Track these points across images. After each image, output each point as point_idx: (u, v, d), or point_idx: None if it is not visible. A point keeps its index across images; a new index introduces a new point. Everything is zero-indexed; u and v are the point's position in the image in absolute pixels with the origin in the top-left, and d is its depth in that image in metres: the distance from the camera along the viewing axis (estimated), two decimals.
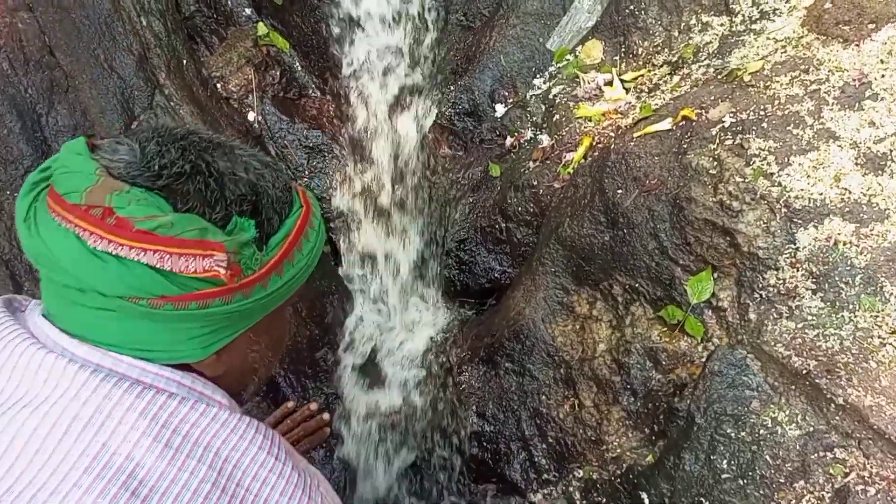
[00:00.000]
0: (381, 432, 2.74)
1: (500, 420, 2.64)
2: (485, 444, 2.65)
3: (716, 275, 2.23)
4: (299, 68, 3.01)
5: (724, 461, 2.09)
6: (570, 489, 2.49)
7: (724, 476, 2.08)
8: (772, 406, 2.06)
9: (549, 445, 2.55)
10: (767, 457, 2.02)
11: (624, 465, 2.39)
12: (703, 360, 2.19)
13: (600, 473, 2.45)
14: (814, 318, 2.04)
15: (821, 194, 2.10)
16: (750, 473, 2.04)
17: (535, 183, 2.70)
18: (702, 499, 2.13)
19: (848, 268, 2.03)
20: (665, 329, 2.37)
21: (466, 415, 2.61)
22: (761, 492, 2.02)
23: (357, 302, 2.90)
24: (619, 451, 2.43)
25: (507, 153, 2.83)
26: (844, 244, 2.06)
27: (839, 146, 2.15)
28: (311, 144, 3.00)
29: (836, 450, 1.89)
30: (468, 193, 2.93)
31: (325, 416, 2.38)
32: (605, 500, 2.41)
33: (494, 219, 2.85)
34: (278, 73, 2.94)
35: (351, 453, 2.70)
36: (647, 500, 2.26)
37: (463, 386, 2.67)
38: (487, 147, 2.95)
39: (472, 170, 2.87)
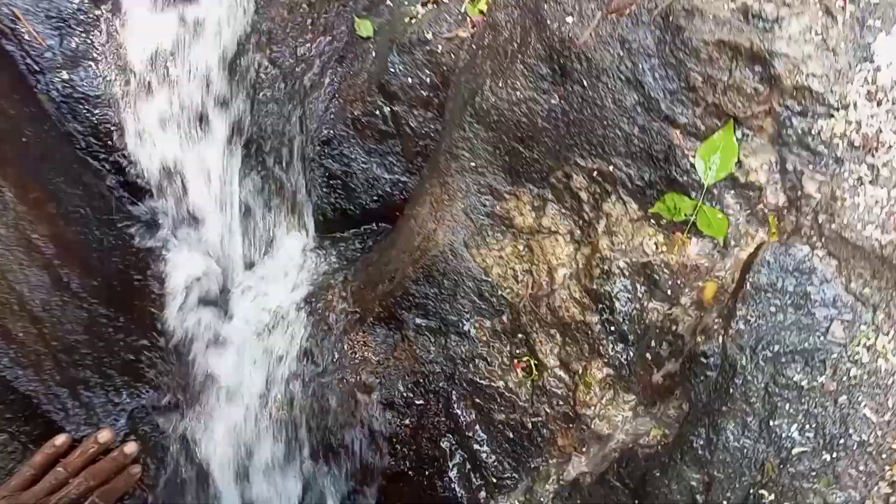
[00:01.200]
0: (244, 455, 1.82)
1: (418, 407, 1.79)
2: (399, 447, 1.80)
3: (740, 133, 1.46)
4: None
5: (794, 427, 1.36)
6: (539, 495, 1.71)
7: (795, 451, 1.36)
8: (864, 328, 1.34)
9: (499, 434, 1.74)
10: (866, 410, 1.31)
11: (617, 452, 1.63)
12: (736, 271, 1.44)
13: (582, 467, 1.68)
14: None
15: None
16: (839, 440, 1.33)
17: (430, 36, 1.82)
18: (762, 490, 1.40)
19: None
20: (661, 232, 1.59)
21: (365, 407, 1.74)
22: (862, 466, 1.32)
23: (177, 255, 1.92)
24: (607, 428, 1.66)
25: None
26: None
27: None
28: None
29: None
30: (327, 69, 1.99)
31: (129, 447, 1.46)
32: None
33: (372, 102, 1.94)
34: None
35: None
36: (666, 500, 1.52)
37: (355, 363, 1.79)
38: None
39: (329, 33, 1.91)
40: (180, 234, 1.93)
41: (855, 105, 1.35)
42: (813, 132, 1.38)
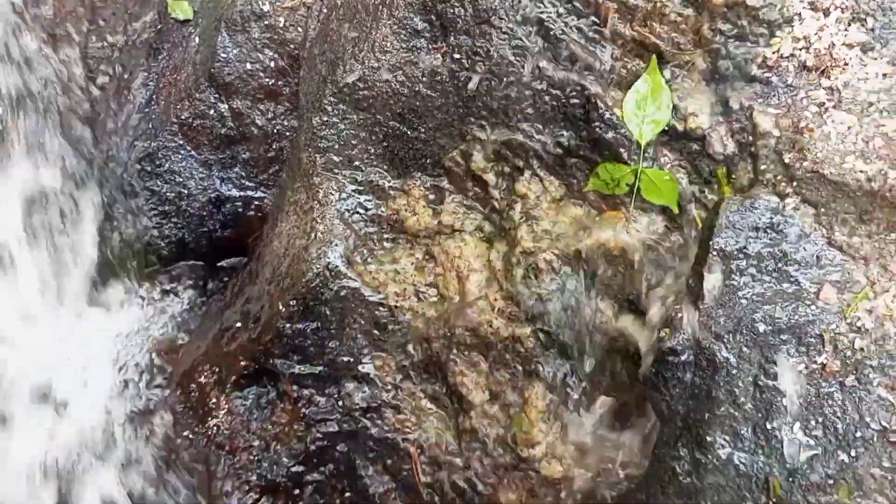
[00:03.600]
0: None
1: (315, 484, 1.41)
2: None
3: (668, 73, 1.25)
4: None
5: (797, 427, 1.12)
6: None
7: (802, 457, 1.12)
8: (859, 288, 1.14)
9: (425, 503, 1.40)
10: (881, 389, 1.10)
11: (580, 495, 1.33)
12: (694, 243, 1.19)
13: None
14: None
15: None
16: (854, 434, 1.11)
17: (266, 7, 1.50)
18: None
19: None
20: (593, 210, 1.34)
21: (234, 498, 1.33)
22: (886, 462, 1.10)
23: None
24: (560, 470, 1.36)
25: None
26: None
27: None
28: None
29: None
30: (136, 67, 1.61)
31: None
32: None
33: (202, 99, 1.58)
34: None
35: None
36: None
37: (217, 441, 1.38)
38: None
39: (134, 24, 1.55)
40: None
41: (799, 17, 1.18)
42: (755, 58, 1.20)
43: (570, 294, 1.32)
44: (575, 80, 1.25)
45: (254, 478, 1.39)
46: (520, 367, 1.35)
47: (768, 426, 1.13)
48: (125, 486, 1.32)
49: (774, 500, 1.13)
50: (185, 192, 1.63)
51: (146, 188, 1.61)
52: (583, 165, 1.29)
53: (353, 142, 1.40)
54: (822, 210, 1.11)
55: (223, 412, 1.41)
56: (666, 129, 1.24)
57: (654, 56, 1.22)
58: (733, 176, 1.21)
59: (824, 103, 1.12)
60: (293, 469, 1.40)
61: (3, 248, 1.42)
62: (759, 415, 1.13)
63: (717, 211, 1.16)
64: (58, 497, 1.35)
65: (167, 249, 1.62)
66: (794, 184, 1.11)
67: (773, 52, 1.16)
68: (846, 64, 1.14)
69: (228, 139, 1.62)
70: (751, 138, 1.18)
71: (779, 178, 1.13)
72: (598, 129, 1.26)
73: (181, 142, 1.62)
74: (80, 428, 1.35)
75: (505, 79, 1.28)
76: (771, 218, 1.13)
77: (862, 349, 1.09)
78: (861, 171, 1.05)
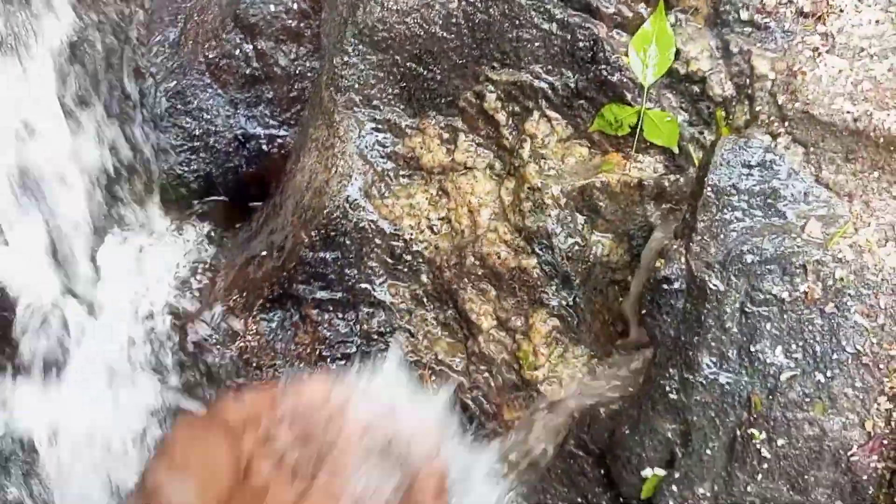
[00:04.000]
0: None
1: None
2: None
3: (672, 17, 1.31)
4: None
5: (779, 349, 1.20)
6: (489, 482, 1.50)
7: (783, 377, 1.21)
8: (842, 223, 1.22)
9: None
10: (857, 315, 1.18)
11: (576, 414, 1.44)
12: (691, 178, 1.27)
13: (537, 441, 1.49)
14: None
15: None
16: (831, 356, 1.20)
17: None
18: (752, 430, 1.23)
19: None
20: (597, 149, 1.41)
21: None
22: (859, 383, 1.19)
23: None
24: (560, 390, 1.47)
25: None
26: None
27: None
28: None
29: None
30: (167, 8, 1.68)
31: None
32: (558, 483, 1.45)
33: (229, 40, 1.65)
34: None
35: None
36: (639, 460, 1.35)
37: (244, 360, 1.50)
38: None
39: None
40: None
41: None
42: (755, 4, 1.25)
43: (574, 228, 1.41)
44: (582, 23, 1.32)
45: None
46: (525, 296, 1.45)
47: (752, 349, 1.22)
48: (163, 397, 1.46)
49: (755, 415, 1.23)
50: (213, 129, 1.72)
51: (176, 125, 1.70)
52: (589, 106, 1.36)
53: (372, 82, 1.47)
54: (812, 149, 1.18)
55: (251, 333, 1.53)
56: (668, 72, 1.32)
57: (661, 1, 1.29)
58: (731, 117, 1.28)
59: (818, 48, 1.18)
60: None
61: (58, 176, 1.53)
62: (744, 338, 1.22)
63: (713, 150, 1.24)
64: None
65: (196, 183, 1.71)
66: (787, 124, 1.18)
67: None
68: (841, 10, 1.20)
69: (253, 79, 1.70)
70: (748, 81, 1.24)
71: (772, 118, 1.20)
72: (604, 71, 1.33)
73: (209, 80, 1.69)
74: (118, 339, 1.49)
75: (517, 20, 1.35)
76: (763, 156, 1.21)
77: (842, 279, 1.17)
78: (848, 112, 1.12)
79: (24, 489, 1.50)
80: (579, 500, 1.45)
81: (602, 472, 1.44)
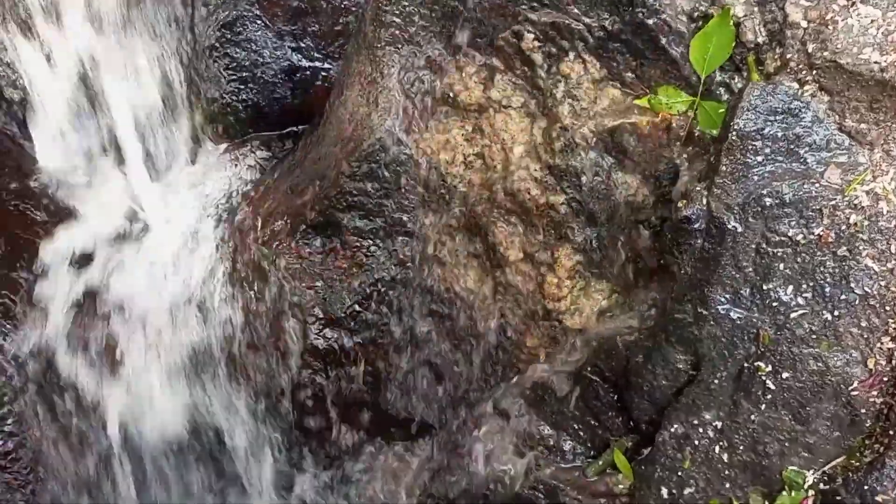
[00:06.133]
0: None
1: (369, 321, 1.65)
2: (350, 368, 1.66)
3: None
4: None
5: (790, 288, 1.28)
6: (512, 404, 1.62)
7: (792, 315, 1.29)
8: (861, 170, 1.27)
9: (462, 342, 1.62)
10: (868, 259, 1.24)
11: (595, 343, 1.54)
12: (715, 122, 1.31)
13: (557, 367, 1.59)
14: None
15: None
16: (840, 297, 1.26)
17: None
18: (759, 362, 1.33)
19: None
20: (629, 93, 1.46)
21: (304, 327, 1.58)
22: (864, 322, 1.26)
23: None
24: (580, 322, 1.56)
25: None
26: None
27: None
28: None
29: None
30: None
31: None
32: (574, 407, 1.56)
33: None
34: None
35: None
36: (651, 388, 1.45)
37: (287, 279, 1.62)
38: None
39: None
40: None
41: None
42: None
43: (602, 168, 1.47)
44: None
45: (319, 311, 1.63)
46: (552, 231, 1.53)
47: (765, 287, 1.29)
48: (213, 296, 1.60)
49: (762, 349, 1.32)
50: (261, 60, 1.80)
51: (226, 54, 1.79)
52: (623, 49, 1.40)
53: (414, 18, 1.52)
54: (837, 97, 1.22)
55: (293, 255, 1.64)
56: (704, 16, 1.35)
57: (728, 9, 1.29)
58: (762, 64, 1.32)
59: None
60: (351, 307, 1.64)
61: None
62: (758, 277, 1.29)
63: (741, 95, 1.28)
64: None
65: (244, 112, 1.80)
66: (814, 72, 1.21)
67: None
68: None
69: (300, 11, 1.76)
70: (780, 28, 1.28)
71: (801, 66, 1.23)
72: (640, 14, 1.36)
73: (257, 12, 1.76)
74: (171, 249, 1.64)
75: None
76: (789, 103, 1.25)
77: (856, 224, 1.23)
78: (875, 63, 1.15)
79: None
80: (593, 422, 1.57)
81: (616, 397, 1.55)
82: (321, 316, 1.62)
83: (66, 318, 1.62)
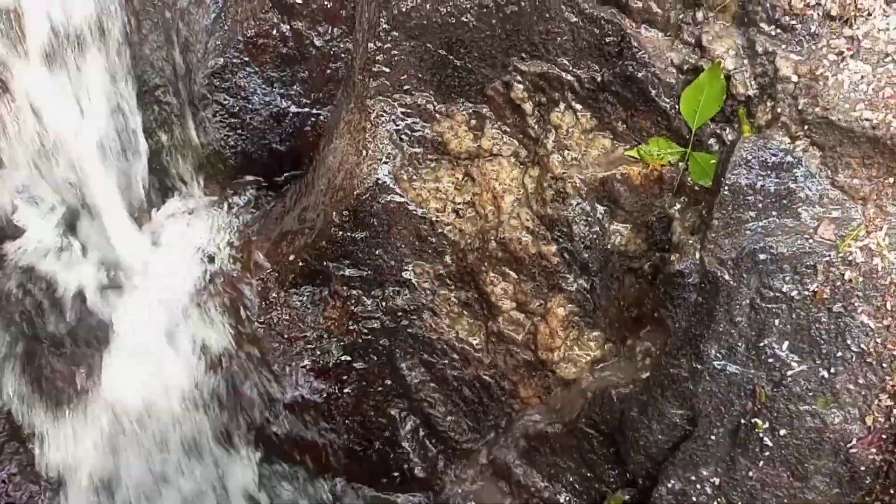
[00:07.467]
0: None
1: (359, 371, 1.63)
2: (340, 418, 1.64)
3: (702, 13, 1.32)
4: None
5: (786, 345, 1.27)
6: (504, 456, 1.59)
7: (789, 372, 1.28)
8: (855, 225, 1.26)
9: (454, 393, 1.60)
10: (864, 316, 1.23)
11: (589, 394, 1.52)
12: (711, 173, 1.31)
13: (549, 419, 1.57)
14: None
15: None
16: (836, 354, 1.25)
17: None
18: (755, 419, 1.31)
19: None
20: (618, 142, 1.45)
21: (290, 379, 1.56)
22: (861, 380, 1.25)
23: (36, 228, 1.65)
24: (574, 371, 1.54)
25: None
26: None
27: None
28: None
29: None
30: None
31: None
32: (569, 459, 1.54)
33: (266, 19, 1.71)
34: None
35: None
36: (647, 442, 1.43)
37: (276, 330, 1.60)
38: None
39: None
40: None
41: None
42: (782, 5, 1.27)
43: (594, 217, 1.46)
44: (611, 18, 1.35)
45: (307, 363, 1.62)
46: (544, 280, 1.52)
47: (761, 343, 1.28)
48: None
49: (759, 406, 1.30)
50: (250, 106, 1.78)
51: (215, 101, 1.78)
52: (613, 100, 1.40)
53: (403, 67, 1.52)
54: (829, 153, 1.21)
55: (282, 305, 1.62)
56: (694, 69, 1.35)
57: (717, 62, 1.27)
58: (753, 117, 1.32)
59: (843, 52, 1.20)
60: (341, 357, 1.62)
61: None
62: (753, 333, 1.28)
63: (732, 148, 1.27)
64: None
65: (233, 159, 1.78)
66: (806, 127, 1.21)
67: (801, 0, 1.24)
68: (869, 14, 1.21)
69: (289, 58, 1.76)
70: (771, 81, 1.27)
71: (792, 121, 1.22)
72: (630, 67, 1.36)
73: (246, 59, 1.75)
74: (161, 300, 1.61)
75: (547, 13, 1.38)
76: (781, 157, 1.24)
77: (850, 280, 1.22)
78: (867, 119, 1.15)
79: None
80: (589, 474, 1.55)
81: (611, 450, 1.53)
82: (310, 367, 1.61)
83: None
